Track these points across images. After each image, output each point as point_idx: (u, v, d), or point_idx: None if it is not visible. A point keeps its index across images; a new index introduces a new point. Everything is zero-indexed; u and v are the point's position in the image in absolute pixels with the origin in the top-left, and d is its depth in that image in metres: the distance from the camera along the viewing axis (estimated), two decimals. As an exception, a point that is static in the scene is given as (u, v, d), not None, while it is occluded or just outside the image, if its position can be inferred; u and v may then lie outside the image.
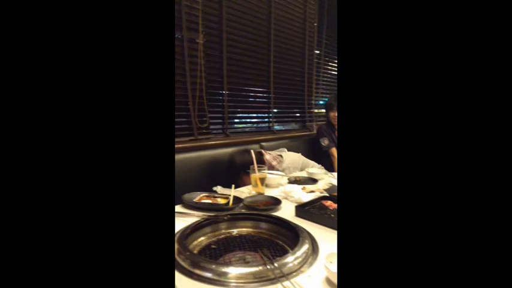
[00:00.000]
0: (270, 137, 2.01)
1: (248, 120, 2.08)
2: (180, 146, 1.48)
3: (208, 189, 1.07)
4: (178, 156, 1.39)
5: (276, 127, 2.21)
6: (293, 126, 2.41)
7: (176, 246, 0.64)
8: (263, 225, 0.78)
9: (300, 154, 1.63)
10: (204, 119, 1.65)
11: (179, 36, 1.50)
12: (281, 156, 1.53)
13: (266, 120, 2.15)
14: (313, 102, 2.45)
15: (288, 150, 1.69)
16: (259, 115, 2.13)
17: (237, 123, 1.99)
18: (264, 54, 1.99)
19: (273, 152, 1.58)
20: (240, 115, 2.00)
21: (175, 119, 1.56)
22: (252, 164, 1.09)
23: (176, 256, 0.62)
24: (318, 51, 2.46)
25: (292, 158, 1.54)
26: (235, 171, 1.31)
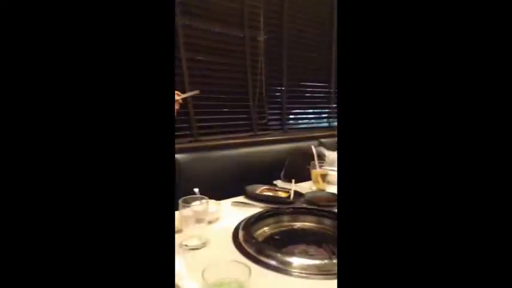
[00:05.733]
0: (329, 133, 1.95)
1: (306, 116, 2.05)
2: (240, 141, 1.55)
3: (268, 182, 1.10)
4: (239, 151, 1.46)
5: (335, 123, 2.13)
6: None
7: (242, 233, 0.68)
8: (326, 221, 0.77)
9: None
10: (263, 115, 1.68)
11: (241, 35, 1.56)
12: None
13: (325, 116, 2.09)
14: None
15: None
16: (317, 111, 2.08)
17: (294, 119, 1.98)
18: (325, 48, 1.93)
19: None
20: (298, 111, 1.99)
21: (236, 116, 1.63)
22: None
23: (242, 242, 0.65)
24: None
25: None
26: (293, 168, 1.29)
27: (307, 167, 1.12)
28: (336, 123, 2.12)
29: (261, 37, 1.57)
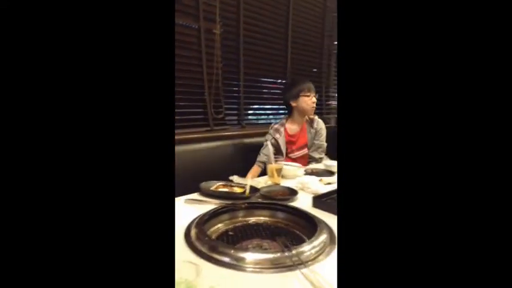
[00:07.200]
0: (286, 129, 2.00)
1: (264, 111, 2.07)
2: (196, 136, 1.50)
3: (224, 178, 1.08)
4: (194, 146, 1.41)
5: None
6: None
7: (194, 231, 0.65)
8: (280, 214, 0.78)
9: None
10: (220, 109, 1.65)
11: (196, 27, 1.50)
12: None
13: (282, 111, 2.13)
14: (330, 94, 2.40)
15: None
16: (275, 106, 2.12)
17: (252, 114, 1.98)
18: (281, 45, 1.97)
19: None
20: (256, 106, 2.00)
21: (191, 110, 1.58)
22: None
23: (194, 241, 0.63)
24: (337, 43, 2.40)
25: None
26: None
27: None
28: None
29: (217, 30, 1.53)
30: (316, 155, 1.51)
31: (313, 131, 1.52)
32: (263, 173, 1.17)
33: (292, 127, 1.53)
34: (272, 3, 1.84)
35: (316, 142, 1.51)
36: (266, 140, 1.50)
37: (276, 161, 1.08)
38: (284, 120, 1.56)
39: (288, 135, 1.51)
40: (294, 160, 1.48)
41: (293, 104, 1.48)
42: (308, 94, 1.46)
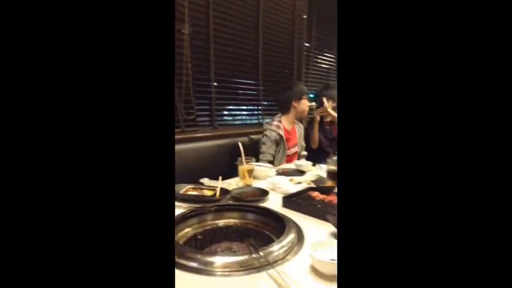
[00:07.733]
0: (259, 129, 2.01)
1: (237, 112, 2.06)
2: (166, 138, 1.46)
3: (194, 181, 1.06)
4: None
5: (266, 120, 2.21)
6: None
7: (161, 237, 0.64)
8: (250, 216, 0.79)
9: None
10: (191, 111, 1.62)
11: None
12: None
13: (255, 112, 2.14)
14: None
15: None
16: (248, 107, 2.12)
17: (225, 115, 1.97)
18: (252, 46, 1.97)
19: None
20: (229, 107, 1.98)
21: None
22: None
23: (161, 247, 0.61)
24: (307, 44, 2.45)
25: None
26: None
27: (235, 163, 1.13)
28: (266, 120, 2.19)
29: (186, 30, 1.50)
30: (303, 153, 1.75)
31: (301, 130, 1.72)
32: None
33: (287, 125, 1.64)
34: (241, 4, 1.84)
35: (301, 143, 1.74)
36: (264, 136, 1.58)
37: (247, 162, 1.08)
38: (280, 118, 1.64)
39: (286, 132, 1.61)
40: (289, 156, 1.62)
41: (295, 104, 1.59)
42: (306, 97, 1.61)
